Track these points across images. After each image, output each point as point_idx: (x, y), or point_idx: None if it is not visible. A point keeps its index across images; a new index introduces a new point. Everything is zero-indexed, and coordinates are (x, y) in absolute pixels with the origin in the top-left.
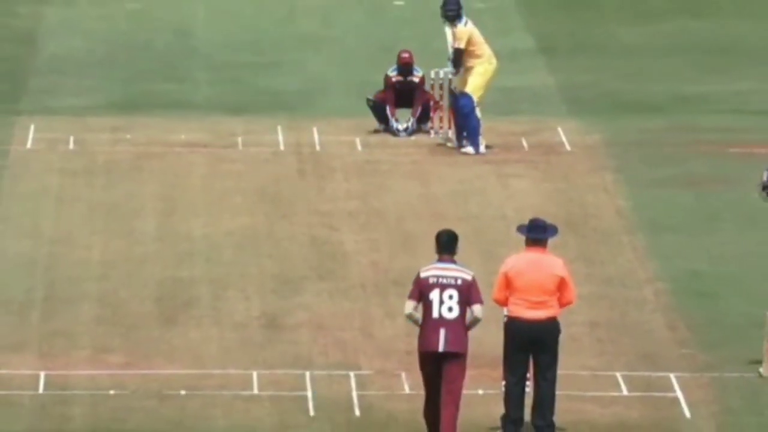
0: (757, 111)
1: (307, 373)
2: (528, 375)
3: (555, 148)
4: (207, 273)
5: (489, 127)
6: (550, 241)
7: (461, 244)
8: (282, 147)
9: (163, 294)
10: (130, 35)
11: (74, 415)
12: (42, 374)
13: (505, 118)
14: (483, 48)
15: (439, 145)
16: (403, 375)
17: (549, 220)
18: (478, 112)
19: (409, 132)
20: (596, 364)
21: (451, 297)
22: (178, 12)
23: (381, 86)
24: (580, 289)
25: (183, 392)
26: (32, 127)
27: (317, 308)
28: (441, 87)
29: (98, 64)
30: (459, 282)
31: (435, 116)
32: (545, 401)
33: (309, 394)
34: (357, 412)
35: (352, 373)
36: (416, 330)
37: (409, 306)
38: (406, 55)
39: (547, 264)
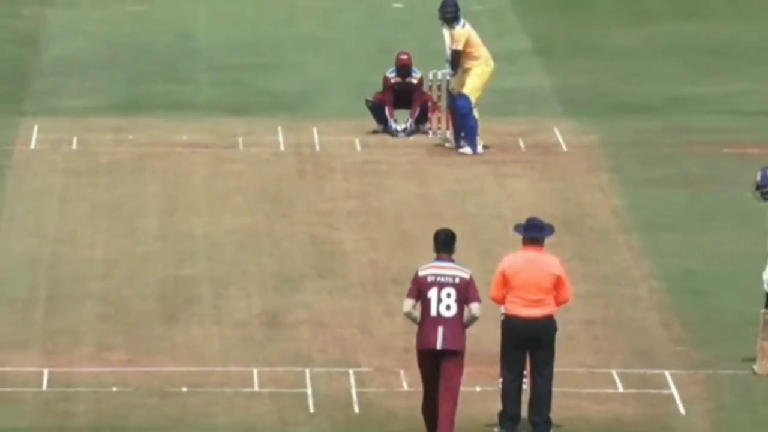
0: (750, 112)
1: (307, 371)
2: (525, 372)
3: (551, 148)
4: (208, 271)
5: (486, 128)
6: (547, 240)
7: (459, 243)
8: (282, 147)
9: (165, 292)
10: (133, 37)
11: (77, 412)
12: (45, 371)
13: (503, 118)
14: (480, 50)
15: (437, 145)
16: (402, 372)
17: (546, 219)
18: (475, 112)
19: (408, 132)
20: (592, 361)
21: (449, 295)
22: (179, 14)
23: (380, 87)
24: (577, 287)
25: (184, 389)
26: (36, 128)
27: (317, 306)
28: (439, 88)
29: (101, 65)
30: (457, 280)
31: (433, 117)
32: (542, 398)
33: (309, 391)
34: (356, 409)
35: (351, 371)
36: (415, 328)
37: (408, 304)
38: (404, 56)
39: (543, 263)
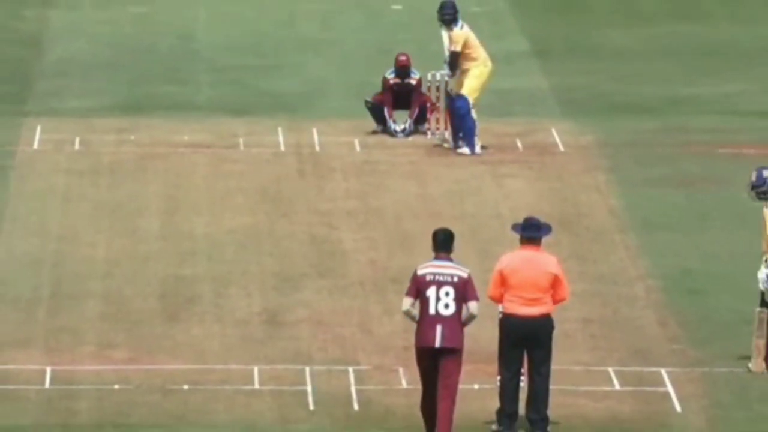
0: (746, 112)
1: (307, 369)
2: (522, 370)
3: (549, 148)
4: (209, 271)
5: (484, 128)
6: (544, 240)
7: (457, 243)
8: (282, 148)
9: (167, 291)
10: (134, 39)
11: (80, 410)
12: (48, 369)
13: (500, 119)
14: (478, 51)
15: (436, 145)
16: (401, 370)
17: (543, 219)
18: (473, 113)
19: (407, 133)
20: (589, 359)
21: (447, 294)
22: (180, 16)
23: (379, 88)
24: (574, 286)
25: (186, 387)
26: (39, 129)
27: (317, 305)
28: (438, 89)
29: (103, 66)
30: (455, 279)
31: (432, 118)
32: (539, 395)
33: (309, 388)
34: (356, 407)
35: (350, 369)
36: (413, 326)
37: (407, 303)
38: (403, 58)
39: (541, 262)
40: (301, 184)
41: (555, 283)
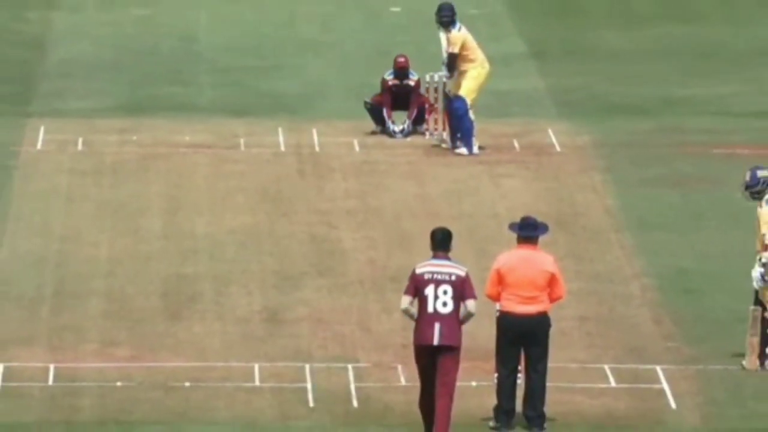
0: (740, 113)
1: (307, 366)
2: (519, 367)
3: (545, 149)
4: (210, 269)
5: (482, 129)
6: (541, 239)
7: (455, 242)
8: (283, 148)
9: (168, 290)
10: (137, 40)
11: (83, 406)
12: (51, 367)
13: (498, 120)
14: (476, 53)
15: (434, 146)
16: (400, 368)
17: (540, 218)
18: (471, 114)
19: (405, 133)
20: (585, 357)
21: (445, 292)
22: (182, 18)
23: (378, 89)
24: (570, 285)
25: (187, 384)
26: (42, 129)
27: (317, 303)
28: (436, 90)
29: (106, 68)
30: (453, 278)
31: (430, 118)
32: (536, 392)
33: (309, 386)
34: (355, 404)
35: (350, 366)
36: (412, 324)
37: (405, 301)
38: (402, 59)
39: (537, 261)
40: (301, 184)
41: (551, 281)
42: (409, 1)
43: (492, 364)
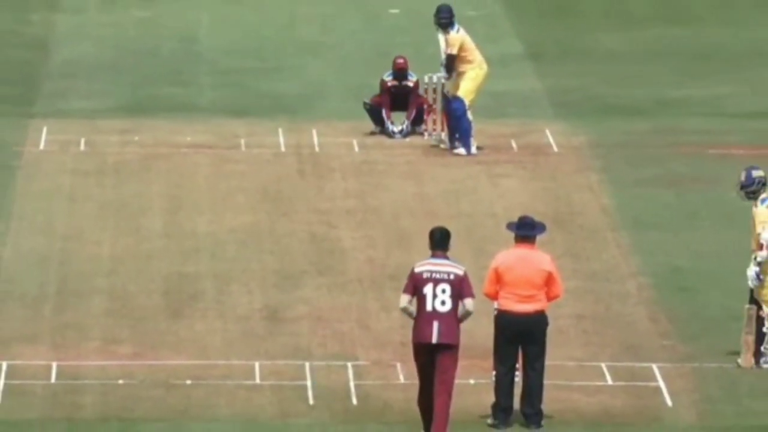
0: (734, 114)
1: (307, 364)
2: (517, 365)
3: (543, 149)
4: (211, 268)
5: (480, 129)
6: (538, 238)
7: (454, 241)
8: (283, 148)
9: (170, 288)
10: (138, 41)
11: (85, 404)
12: (54, 364)
13: (495, 120)
14: (474, 54)
15: (433, 146)
16: (399, 365)
17: (537, 217)
18: (469, 114)
19: (404, 134)
20: (582, 355)
21: (443, 291)
22: (183, 19)
23: (377, 90)
24: (567, 283)
25: (189, 382)
26: (45, 129)
27: (316, 302)
28: (434, 91)
29: (107, 69)
30: (451, 277)
31: (428, 119)
32: (534, 390)
33: (308, 383)
34: (354, 401)
35: (349, 364)
36: (411, 322)
37: (404, 300)
38: (401, 60)
39: (535, 260)
40: (301, 183)
41: (549, 280)
42: (408, 2)
43: (490, 362)
